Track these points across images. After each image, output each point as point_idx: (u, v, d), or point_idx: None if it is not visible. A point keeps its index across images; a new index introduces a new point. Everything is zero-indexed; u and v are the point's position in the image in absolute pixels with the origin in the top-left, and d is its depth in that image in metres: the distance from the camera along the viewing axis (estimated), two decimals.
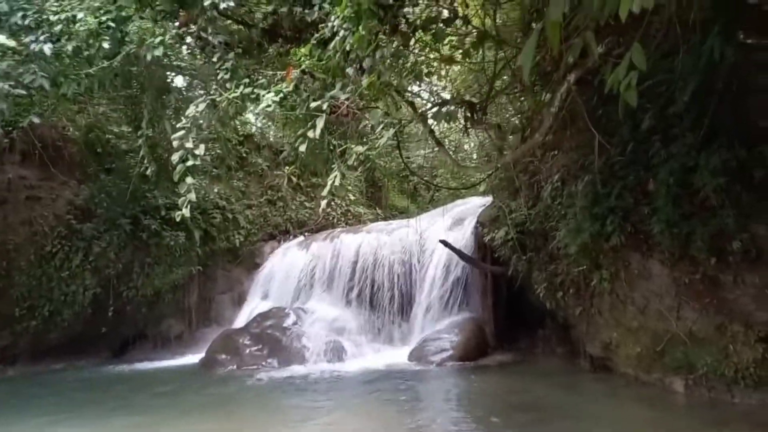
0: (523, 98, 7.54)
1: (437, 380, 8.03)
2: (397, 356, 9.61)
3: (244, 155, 13.48)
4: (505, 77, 7.11)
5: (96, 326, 10.42)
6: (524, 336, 9.84)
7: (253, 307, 11.78)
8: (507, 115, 8.48)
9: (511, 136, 7.77)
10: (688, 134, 5.85)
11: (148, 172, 7.98)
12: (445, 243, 9.75)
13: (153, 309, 11.22)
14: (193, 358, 10.44)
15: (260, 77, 5.91)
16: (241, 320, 11.41)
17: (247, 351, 9.69)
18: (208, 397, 7.48)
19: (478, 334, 9.64)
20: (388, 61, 4.90)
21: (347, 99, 4.95)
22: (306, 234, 13.59)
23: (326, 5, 5.34)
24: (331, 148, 6.21)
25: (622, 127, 6.55)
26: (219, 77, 5.91)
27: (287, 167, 13.38)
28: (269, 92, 5.21)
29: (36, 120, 7.05)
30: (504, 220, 8.88)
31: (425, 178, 14.91)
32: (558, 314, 8.47)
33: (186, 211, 5.09)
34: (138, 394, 7.67)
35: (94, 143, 10.58)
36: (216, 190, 12.30)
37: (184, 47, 7.15)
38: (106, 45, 6.05)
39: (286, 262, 12.36)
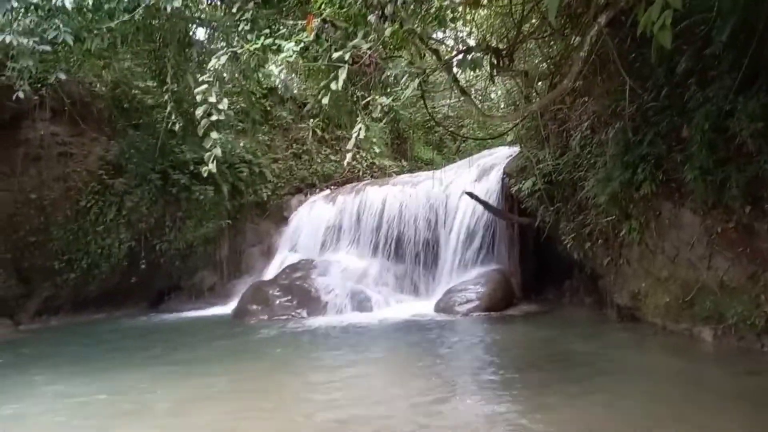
0: (551, 43, 7.29)
1: (463, 330, 8.16)
2: (423, 307, 9.77)
3: (268, 108, 13.46)
4: (533, 21, 6.87)
5: (132, 278, 10.79)
6: (551, 287, 9.91)
7: (282, 259, 12.03)
8: (535, 61, 8.23)
9: (539, 83, 7.58)
10: (725, 77, 5.60)
11: (175, 127, 8.02)
12: (471, 195, 9.74)
13: (186, 261, 11.54)
14: (225, 308, 10.75)
15: (281, 27, 5.80)
16: (270, 272, 11.69)
17: (277, 302, 9.94)
18: (240, 345, 7.76)
19: (505, 285, 9.72)
20: (411, 6, 4.75)
21: (369, 48, 4.84)
22: (332, 187, 13.67)
23: None
24: (355, 99, 6.13)
25: (656, 71, 6.33)
26: (240, 29, 5.83)
27: (311, 120, 13.32)
28: (290, 42, 5.12)
29: (63, 76, 7.09)
30: (531, 170, 8.79)
31: (451, 129, 14.75)
32: (586, 265, 8.45)
33: (212, 166, 5.13)
34: (174, 342, 7.97)
35: (121, 99, 10.68)
36: (242, 145, 12.35)
37: None
38: None
39: (313, 215, 12.51)
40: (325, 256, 11.48)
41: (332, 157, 14.17)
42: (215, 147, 5.10)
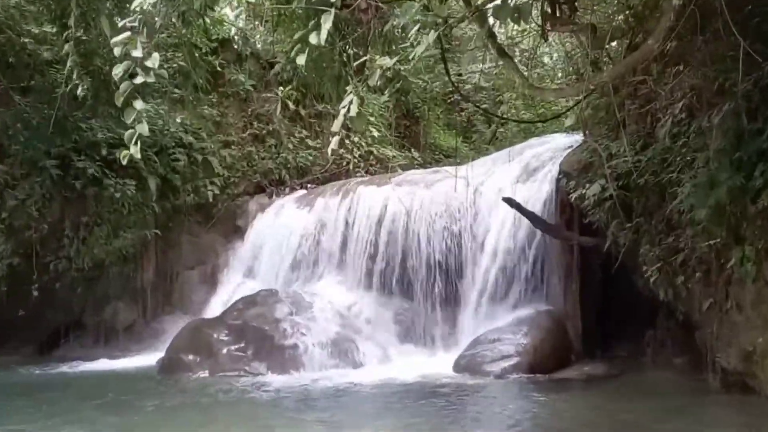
0: None
1: (496, 401, 8.13)
2: (438, 364, 9.78)
3: (219, 70, 13.49)
4: None
5: (14, 310, 10.74)
6: (625, 339, 9.94)
7: (232, 288, 11.99)
8: (606, 12, 8.25)
9: (612, 43, 7.57)
10: None
11: (80, 91, 8.01)
12: (511, 202, 9.75)
13: (93, 288, 11.50)
14: (148, 358, 10.72)
15: None
16: (216, 307, 11.66)
17: (225, 350, 9.93)
18: (167, 417, 7.62)
19: (558, 335, 9.78)
20: None
21: None
22: (309, 186, 13.60)
23: None
24: (344, 60, 6.13)
25: None
26: None
27: (281, 88, 13.33)
28: None
29: None
30: (600, 169, 8.77)
31: (483, 106, 14.74)
32: (676, 308, 8.45)
33: (135, 150, 5.08)
34: (68, 409, 7.81)
35: (4, 50, 10.62)
36: (179, 121, 12.36)
37: None
38: None
39: (280, 226, 12.49)
40: (296, 287, 11.45)
41: (310, 143, 14.15)
42: (140, 123, 5.07)
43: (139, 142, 5.12)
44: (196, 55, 12.17)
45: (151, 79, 5.11)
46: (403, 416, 7.49)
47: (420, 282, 11.05)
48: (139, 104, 5.08)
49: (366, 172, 14.17)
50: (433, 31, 5.07)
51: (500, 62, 7.42)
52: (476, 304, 10.56)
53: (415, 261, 11.13)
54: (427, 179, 12.02)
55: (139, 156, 5.13)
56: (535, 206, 10.17)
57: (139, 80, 5.05)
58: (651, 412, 7.20)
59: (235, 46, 13.90)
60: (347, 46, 6.03)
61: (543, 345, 9.55)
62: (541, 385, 8.76)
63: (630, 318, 9.78)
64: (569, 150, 10.39)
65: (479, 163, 12.06)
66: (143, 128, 5.11)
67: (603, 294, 10.00)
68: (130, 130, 5.10)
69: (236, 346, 9.97)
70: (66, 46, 8.16)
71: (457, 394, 8.37)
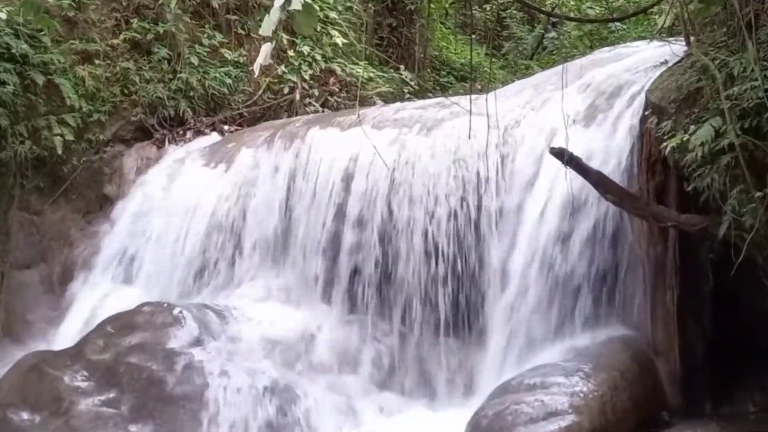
0: None
1: None
2: (441, 426, 9.85)
3: None
4: None
5: None
6: (755, 384, 9.94)
7: (96, 300, 12.04)
8: None
9: None
10: None
11: None
12: (564, 156, 9.57)
13: None
14: None
15: None
16: (67, 332, 11.68)
17: (83, 405, 9.88)
18: None
19: (641, 379, 9.75)
20: None
21: None
22: (226, 129, 13.80)
23: None
24: None
25: None
26: None
27: None
28: None
29: None
30: (713, 101, 8.78)
31: None
32: None
33: None
34: None
35: None
36: (3, 18, 12.24)
37: None
38: None
39: (176, 197, 12.61)
40: (203, 298, 11.54)
41: (228, 55, 14.36)
42: None
43: None
44: None
45: None
46: None
47: (412, 293, 11.09)
48: None
49: (322, 106, 14.27)
50: None
51: None
52: (505, 328, 10.57)
53: (405, 258, 11.14)
54: (426, 118, 11.94)
55: None
56: (606, 163, 10.15)
57: None
58: None
59: None
60: None
61: (616, 395, 9.42)
62: None
63: (757, 350, 9.79)
64: (662, 69, 10.32)
65: (513, 91, 12.06)
66: None
67: (716, 312, 9.95)
68: None
69: (102, 398, 9.91)
70: None
71: None
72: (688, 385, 9.96)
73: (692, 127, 8.99)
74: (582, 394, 9.45)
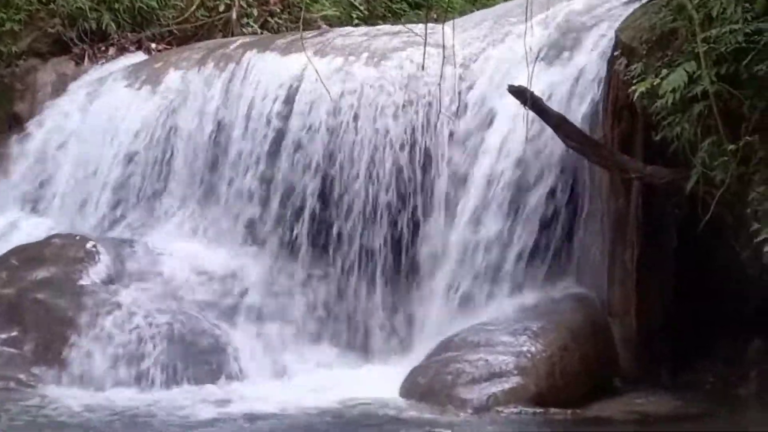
0: None
1: None
2: (374, 383, 9.80)
3: None
4: None
5: None
6: (714, 352, 9.81)
7: (0, 228, 11.88)
8: None
9: None
10: None
11: None
12: (523, 95, 9.37)
13: None
14: None
15: None
16: None
17: None
18: None
19: (594, 341, 9.72)
20: None
21: None
22: (153, 47, 13.63)
23: None
24: None
25: None
26: None
27: None
28: None
29: None
30: (688, 44, 8.64)
31: None
32: None
33: None
34: None
35: None
36: None
37: None
38: None
39: (95, 119, 12.44)
40: (120, 232, 11.37)
41: None
42: None
43: None
44: None
45: None
46: None
47: (350, 236, 10.98)
48: None
49: (261, 28, 14.22)
50: None
51: None
52: (449, 279, 10.42)
53: (344, 197, 11.03)
54: (376, 46, 11.85)
55: None
56: (569, 106, 10.00)
57: None
58: None
59: None
60: None
61: (566, 358, 9.38)
62: (558, 429, 8.75)
63: (724, 316, 9.60)
64: (635, 5, 10.12)
65: (472, 22, 11.90)
66: None
67: (678, 273, 9.75)
68: None
69: (3, 336, 9.87)
70: None
71: None
72: (644, 351, 9.99)
73: (664, 71, 8.89)
74: (529, 355, 9.44)
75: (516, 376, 9.12)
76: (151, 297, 10.27)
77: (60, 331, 9.82)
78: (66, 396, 9.21)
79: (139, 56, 13.38)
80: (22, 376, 9.52)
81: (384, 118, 11.09)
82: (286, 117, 11.44)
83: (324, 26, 13.91)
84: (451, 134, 10.90)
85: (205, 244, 11.28)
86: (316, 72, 10.48)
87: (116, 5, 13.54)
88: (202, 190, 11.59)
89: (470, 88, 10.97)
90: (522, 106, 9.45)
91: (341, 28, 13.42)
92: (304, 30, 13.16)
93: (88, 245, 10.72)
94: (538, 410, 8.86)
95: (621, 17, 10.19)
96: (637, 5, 10.13)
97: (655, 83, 8.78)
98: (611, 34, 10.10)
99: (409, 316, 10.71)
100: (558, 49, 10.85)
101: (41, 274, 10.31)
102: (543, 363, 9.26)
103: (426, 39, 9.44)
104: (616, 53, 9.72)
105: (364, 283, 10.91)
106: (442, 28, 10.66)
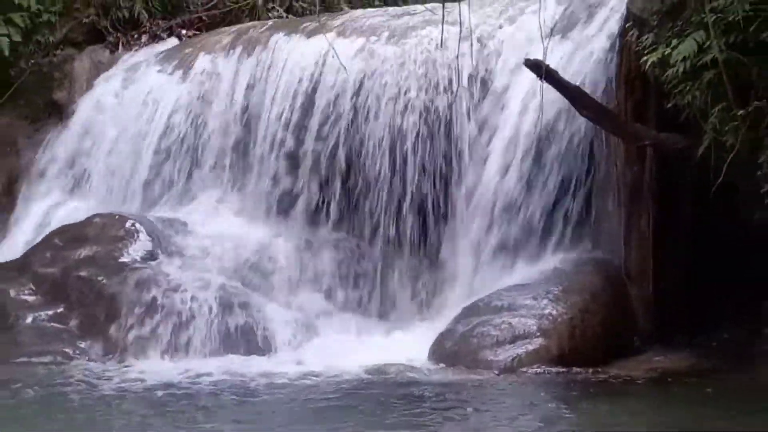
0: None
1: (500, 416, 8.01)
2: (403, 347, 9.93)
3: None
4: None
5: None
6: (728, 313, 9.93)
7: (43, 212, 12.07)
8: None
9: None
10: None
11: None
12: (539, 68, 9.43)
13: None
14: None
15: None
16: (13, 244, 11.72)
17: (29, 319, 9.95)
18: None
19: (613, 303, 9.84)
20: None
21: None
22: (184, 33, 13.68)
23: None
24: None
25: None
26: None
27: None
28: None
29: None
30: (697, 13, 8.67)
31: None
32: None
33: None
34: None
35: None
36: None
37: None
38: None
39: (130, 104, 12.51)
40: (158, 211, 11.48)
41: None
42: None
43: None
44: None
45: None
46: None
47: (376, 207, 11.09)
48: None
49: (287, 11, 14.22)
50: None
51: None
52: (474, 247, 10.55)
53: (369, 171, 11.15)
54: (396, 26, 11.87)
55: None
56: (583, 77, 10.09)
57: None
58: None
59: None
60: None
61: (587, 319, 9.52)
62: (580, 387, 8.71)
63: (738, 279, 9.70)
64: None
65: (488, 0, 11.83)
66: None
67: (692, 233, 9.91)
68: None
69: (50, 313, 9.96)
70: None
71: (433, 402, 8.22)
72: (661, 312, 10.05)
73: (674, 41, 8.96)
74: (551, 317, 9.58)
75: (539, 338, 9.29)
76: (189, 272, 10.38)
77: (103, 306, 9.98)
78: (111, 369, 9.26)
79: (171, 42, 13.41)
80: (68, 350, 9.64)
81: (406, 94, 11.13)
82: (311, 96, 11.49)
83: (346, 8, 13.91)
84: (470, 111, 10.94)
85: (239, 220, 11.38)
86: (335, 52, 10.46)
87: None
88: (234, 168, 11.69)
89: (488, 63, 11.01)
90: (538, 79, 9.48)
91: (363, 10, 13.46)
92: (327, 12, 13.58)
93: (128, 224, 10.81)
94: (561, 370, 9.05)
95: None
96: None
97: (666, 53, 8.88)
98: (622, 5, 10.11)
99: (435, 283, 10.81)
100: (572, 21, 10.89)
101: (84, 252, 10.43)
102: (564, 325, 9.41)
103: (444, 17, 9.51)
104: (627, 25, 9.86)
105: (391, 253, 11.00)
106: (459, 6, 10.38)
